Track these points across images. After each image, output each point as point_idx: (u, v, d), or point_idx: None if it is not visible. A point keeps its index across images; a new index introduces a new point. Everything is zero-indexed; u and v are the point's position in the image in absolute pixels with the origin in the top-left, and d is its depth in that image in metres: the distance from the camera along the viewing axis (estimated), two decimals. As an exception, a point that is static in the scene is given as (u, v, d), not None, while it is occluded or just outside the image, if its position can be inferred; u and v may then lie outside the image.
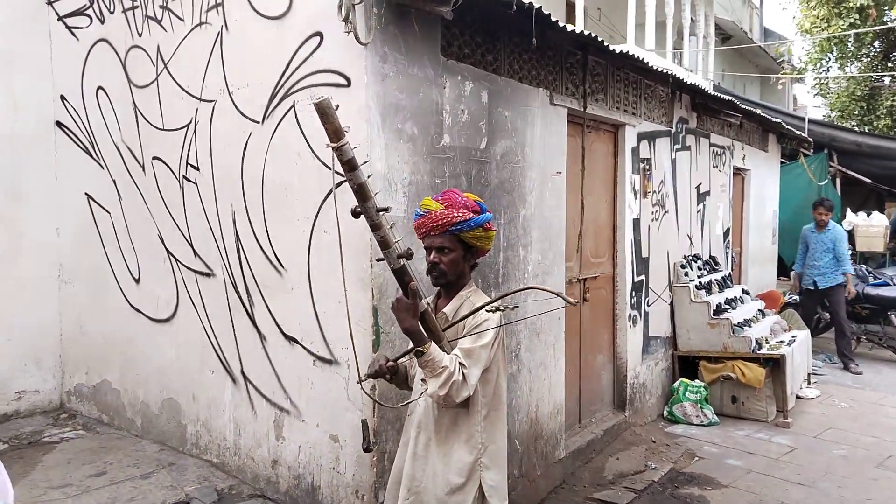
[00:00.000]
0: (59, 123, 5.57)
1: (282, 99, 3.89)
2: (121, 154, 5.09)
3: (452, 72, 3.96)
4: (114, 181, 5.17)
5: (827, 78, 19.17)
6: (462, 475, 2.62)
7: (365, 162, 2.20)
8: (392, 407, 3.35)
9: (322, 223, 3.74)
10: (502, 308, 2.61)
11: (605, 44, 5.05)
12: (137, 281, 5.06)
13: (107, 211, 5.24)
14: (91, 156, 5.35)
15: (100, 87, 5.22)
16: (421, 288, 2.44)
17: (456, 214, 2.62)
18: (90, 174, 5.36)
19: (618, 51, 5.25)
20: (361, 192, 2.20)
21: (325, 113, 2.06)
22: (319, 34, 3.67)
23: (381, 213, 2.26)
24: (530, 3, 3.97)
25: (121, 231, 5.16)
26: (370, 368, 2.61)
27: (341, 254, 2.96)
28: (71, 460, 4.52)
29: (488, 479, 2.65)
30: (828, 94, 19.48)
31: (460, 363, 2.48)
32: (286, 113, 3.87)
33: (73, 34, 5.39)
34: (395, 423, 3.58)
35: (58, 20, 5.50)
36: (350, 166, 2.14)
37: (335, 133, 2.09)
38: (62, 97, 5.54)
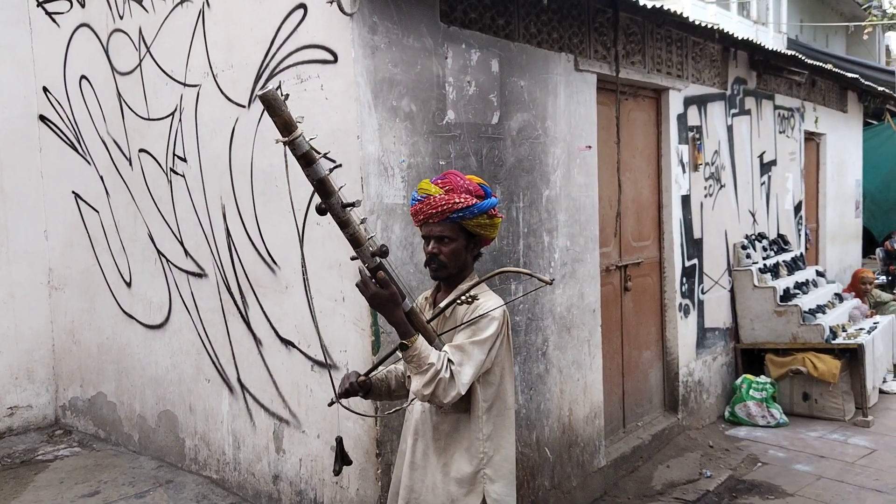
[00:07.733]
0: (42, 118, 5.78)
1: (267, 80, 3.97)
2: (107, 148, 5.26)
3: (455, 39, 3.98)
4: (101, 177, 5.34)
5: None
6: (463, 486, 2.64)
7: (325, 155, 2.20)
8: (374, 416, 3.47)
9: (314, 215, 3.78)
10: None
11: (635, -1, 5.00)
12: (129, 284, 5.23)
13: (95, 210, 5.42)
14: (77, 151, 5.54)
15: (83, 77, 5.39)
16: (403, 284, 2.46)
17: (457, 200, 2.60)
18: (77, 171, 5.54)
19: (650, 6, 5.18)
20: (323, 187, 2.22)
21: (272, 105, 2.07)
22: (303, 6, 3.73)
23: (347, 208, 2.28)
24: (538, -43, 3.97)
25: (110, 231, 5.32)
26: (340, 388, 2.65)
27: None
28: (64, 479, 4.71)
29: (492, 493, 2.66)
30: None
31: (449, 360, 2.48)
32: (272, 95, 3.95)
33: (54, 20, 5.57)
34: (400, 431, 3.63)
35: (37, 6, 5.69)
36: (307, 160, 2.16)
37: (285, 126, 2.11)
38: (45, 89, 5.73)
